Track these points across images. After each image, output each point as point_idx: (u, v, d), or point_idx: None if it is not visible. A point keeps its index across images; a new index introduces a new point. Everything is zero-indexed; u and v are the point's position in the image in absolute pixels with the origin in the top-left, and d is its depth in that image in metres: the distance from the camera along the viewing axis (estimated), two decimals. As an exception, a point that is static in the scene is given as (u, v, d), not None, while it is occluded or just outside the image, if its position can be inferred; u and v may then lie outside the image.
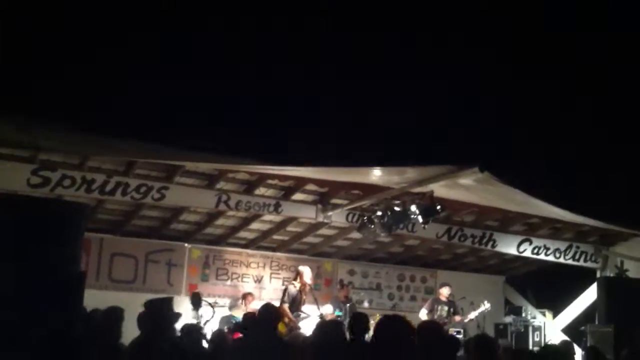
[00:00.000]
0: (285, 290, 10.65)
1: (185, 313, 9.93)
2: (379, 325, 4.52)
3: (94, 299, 7.43)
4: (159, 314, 5.57)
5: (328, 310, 11.10)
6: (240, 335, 7.62)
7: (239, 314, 11.22)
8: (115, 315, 6.13)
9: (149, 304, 5.77)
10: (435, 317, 11.29)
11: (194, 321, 9.60)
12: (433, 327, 5.54)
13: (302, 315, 10.27)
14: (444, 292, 11.77)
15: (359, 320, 5.94)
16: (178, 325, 8.68)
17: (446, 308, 11.60)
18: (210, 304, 10.70)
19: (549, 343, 12.28)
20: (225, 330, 9.87)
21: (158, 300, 6.00)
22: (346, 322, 10.76)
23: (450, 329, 11.15)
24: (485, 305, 11.67)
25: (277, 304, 10.48)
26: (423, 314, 11.32)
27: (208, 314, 10.29)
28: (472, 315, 11.63)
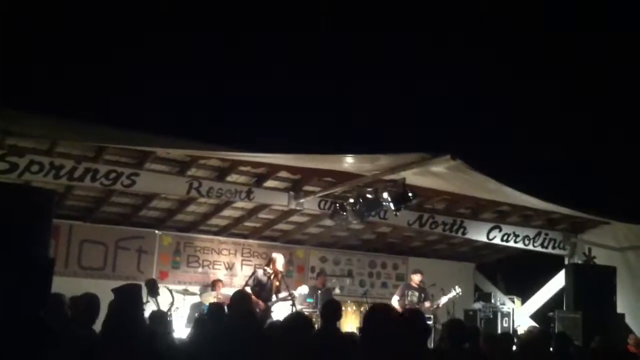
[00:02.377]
0: (252, 274, 10.61)
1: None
2: (367, 316, 4.50)
3: (63, 286, 7.36)
4: (129, 300, 5.50)
5: (303, 290, 11.06)
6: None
7: (209, 301, 11.18)
8: (89, 302, 6.05)
9: (118, 291, 5.69)
10: (406, 302, 11.35)
11: (156, 308, 9.51)
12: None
13: (274, 299, 10.23)
14: (415, 278, 11.83)
15: (331, 308, 5.92)
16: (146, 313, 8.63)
17: (417, 294, 11.66)
18: (169, 289, 10.64)
19: (519, 329, 12.46)
20: (196, 316, 9.82)
21: (127, 286, 5.93)
22: (317, 309, 10.88)
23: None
24: (456, 291, 11.75)
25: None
26: (395, 300, 11.38)
27: (168, 301, 10.23)
28: (443, 300, 11.70)
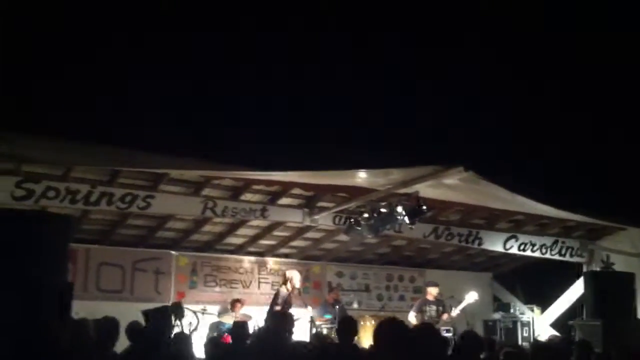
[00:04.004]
0: (277, 294, 10.66)
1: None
2: (377, 331, 4.52)
3: (83, 309, 7.40)
4: (162, 323, 5.55)
5: (309, 313, 11.10)
6: (229, 339, 7.60)
7: (228, 320, 11.20)
8: (110, 325, 6.09)
9: (151, 314, 5.73)
10: (426, 317, 11.28)
11: (179, 329, 9.54)
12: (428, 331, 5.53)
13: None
14: (432, 291, 11.73)
15: (346, 324, 5.93)
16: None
17: (435, 307, 11.57)
18: (193, 311, 10.66)
19: (540, 338, 12.37)
20: (215, 335, 9.85)
21: (159, 308, 5.97)
22: (336, 324, 10.87)
23: (440, 329, 11.15)
24: (471, 296, 11.51)
25: (266, 308, 10.53)
26: (412, 316, 11.30)
27: (193, 322, 10.26)
28: (460, 308, 11.51)
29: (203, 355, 7.08)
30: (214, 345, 6.98)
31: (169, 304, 10.83)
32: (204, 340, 11.14)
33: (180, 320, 9.93)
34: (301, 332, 9.93)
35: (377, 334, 4.51)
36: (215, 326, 11.46)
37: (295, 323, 10.01)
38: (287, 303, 10.34)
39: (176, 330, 9.22)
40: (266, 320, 9.55)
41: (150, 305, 6.62)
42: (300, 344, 6.65)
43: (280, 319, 6.17)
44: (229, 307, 12.27)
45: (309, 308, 11.07)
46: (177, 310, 10.04)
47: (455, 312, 11.29)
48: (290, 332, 5.81)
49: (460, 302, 11.43)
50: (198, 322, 10.41)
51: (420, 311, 11.46)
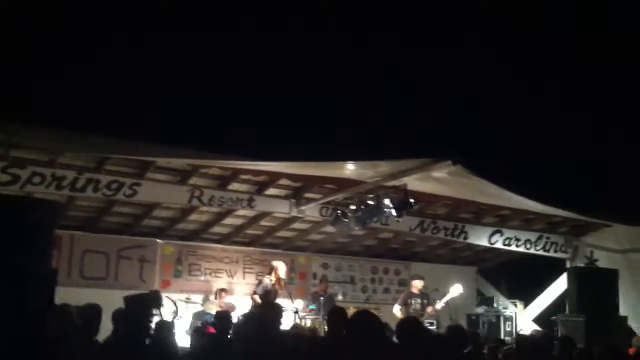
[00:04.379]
0: (258, 283, 10.67)
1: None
2: (351, 321, 4.53)
3: (66, 296, 7.34)
4: (141, 309, 5.53)
5: (298, 305, 11.12)
6: (213, 330, 7.57)
7: (212, 310, 11.18)
8: (92, 312, 6.05)
9: (130, 300, 5.71)
10: (410, 311, 11.29)
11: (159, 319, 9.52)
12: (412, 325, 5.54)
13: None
14: (417, 284, 11.73)
15: (336, 315, 5.90)
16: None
17: (419, 301, 11.57)
18: (172, 300, 10.64)
19: (521, 333, 12.44)
20: (199, 324, 9.83)
21: (139, 295, 5.95)
22: (320, 316, 10.89)
23: (425, 322, 11.18)
24: (456, 288, 11.51)
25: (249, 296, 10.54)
26: (397, 309, 11.30)
27: (172, 311, 10.26)
28: (444, 300, 11.51)
29: (186, 344, 7.06)
30: (199, 334, 6.96)
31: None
32: (186, 328, 11.19)
33: (158, 308, 9.93)
34: (286, 324, 9.93)
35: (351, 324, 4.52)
36: (199, 315, 11.43)
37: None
38: (268, 293, 10.30)
39: (156, 318, 9.25)
40: (251, 311, 9.56)
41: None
42: (287, 334, 6.64)
43: (268, 310, 6.14)
44: (213, 296, 12.25)
45: (295, 302, 11.08)
46: (155, 299, 10.04)
47: (439, 304, 11.29)
48: (279, 323, 5.79)
49: (444, 294, 11.45)
50: (177, 310, 10.40)
51: (405, 304, 11.46)
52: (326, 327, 6.08)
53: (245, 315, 9.54)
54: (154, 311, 8.43)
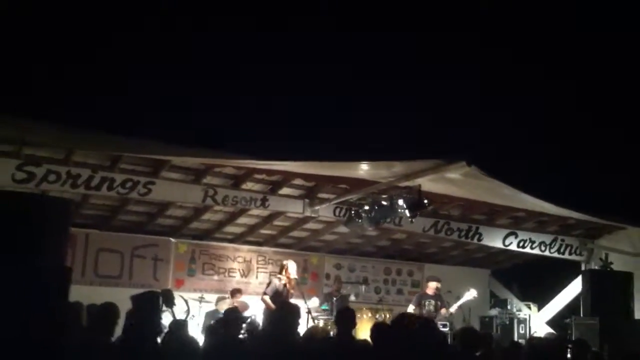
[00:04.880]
0: (269, 283, 10.66)
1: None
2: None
3: (80, 294, 7.40)
4: (147, 307, 5.54)
5: (315, 303, 11.10)
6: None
7: (224, 309, 11.19)
8: (108, 310, 6.07)
9: (136, 298, 5.73)
10: (424, 311, 11.28)
11: (172, 318, 9.56)
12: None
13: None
14: (432, 286, 11.72)
15: (344, 316, 5.91)
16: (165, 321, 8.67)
17: (433, 302, 11.58)
18: (185, 299, 10.67)
19: (536, 335, 12.37)
20: (211, 323, 9.83)
21: (145, 293, 5.96)
22: (332, 316, 10.87)
23: (438, 323, 11.16)
24: (470, 293, 11.53)
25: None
26: (411, 309, 11.30)
27: (184, 309, 10.28)
28: (458, 304, 11.53)
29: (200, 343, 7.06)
30: (211, 334, 6.96)
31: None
32: (199, 327, 11.21)
33: (171, 307, 9.97)
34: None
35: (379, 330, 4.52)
36: (212, 314, 11.45)
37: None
38: (279, 294, 10.27)
39: (169, 317, 9.29)
40: (267, 312, 9.54)
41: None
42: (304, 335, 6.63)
43: (286, 311, 6.13)
44: (227, 296, 12.26)
45: (312, 300, 11.06)
46: (167, 298, 10.09)
47: (453, 307, 11.29)
48: (297, 324, 5.77)
49: (458, 297, 11.42)
50: (188, 310, 10.44)
51: (419, 305, 11.46)
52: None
53: (265, 317, 9.56)
54: (163, 309, 8.49)
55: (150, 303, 5.51)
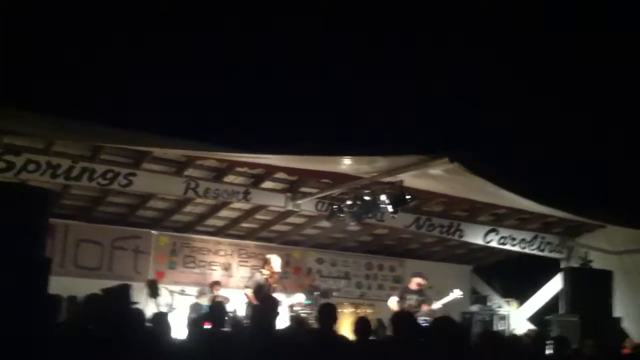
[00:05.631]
0: (251, 277, 10.63)
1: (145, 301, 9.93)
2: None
3: (59, 285, 7.30)
4: (117, 300, 5.52)
5: (300, 299, 11.07)
6: (208, 324, 7.54)
7: (206, 302, 11.15)
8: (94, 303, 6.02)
9: (105, 291, 5.71)
10: (405, 305, 11.26)
11: (156, 309, 9.52)
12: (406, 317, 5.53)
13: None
14: (415, 281, 11.70)
15: (325, 311, 5.88)
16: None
17: (414, 297, 11.55)
18: (169, 290, 10.65)
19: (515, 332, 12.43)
20: (194, 317, 9.80)
21: (116, 286, 5.94)
22: (314, 311, 10.85)
23: (419, 318, 11.14)
24: (456, 293, 11.52)
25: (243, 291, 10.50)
26: (393, 301, 11.25)
27: (168, 302, 10.26)
28: (442, 302, 11.49)
29: (182, 336, 7.02)
30: (196, 328, 6.91)
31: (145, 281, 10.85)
32: (182, 321, 11.16)
33: (155, 298, 9.96)
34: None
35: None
36: (194, 307, 11.40)
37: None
38: (261, 287, 10.20)
39: (153, 309, 9.26)
40: (249, 306, 9.53)
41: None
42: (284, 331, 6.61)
43: (265, 303, 6.11)
44: (207, 289, 12.21)
45: (295, 296, 11.07)
46: (152, 288, 10.09)
47: (436, 305, 11.25)
48: (275, 316, 5.76)
49: (440, 294, 11.41)
50: (172, 302, 10.43)
51: (402, 298, 11.41)
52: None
53: (246, 309, 9.54)
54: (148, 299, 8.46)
55: (123, 295, 5.48)
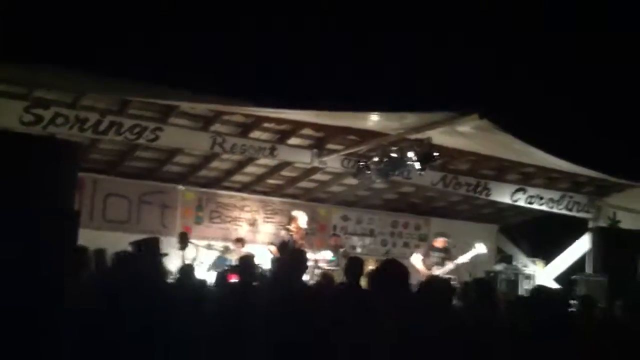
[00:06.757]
0: (276, 234, 10.71)
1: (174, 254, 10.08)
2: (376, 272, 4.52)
3: (88, 238, 7.38)
4: (145, 252, 5.57)
5: (326, 255, 11.10)
6: (235, 277, 7.59)
7: (231, 257, 11.23)
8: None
9: (134, 243, 5.76)
10: (429, 262, 11.25)
11: (184, 262, 9.67)
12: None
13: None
14: (440, 240, 11.66)
15: (353, 265, 5.91)
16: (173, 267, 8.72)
17: (439, 254, 11.53)
18: (194, 244, 10.78)
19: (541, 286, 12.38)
20: (221, 270, 9.88)
21: (145, 239, 5.98)
22: (339, 267, 10.90)
23: (443, 275, 11.13)
24: (479, 248, 11.38)
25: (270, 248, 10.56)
26: (416, 258, 11.24)
27: (193, 255, 10.43)
28: (466, 256, 11.39)
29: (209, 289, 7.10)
30: (223, 279, 6.97)
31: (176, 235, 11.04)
32: (208, 274, 11.28)
33: (184, 249, 10.15)
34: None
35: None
36: (220, 262, 11.50)
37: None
38: (285, 244, 10.24)
39: (179, 262, 9.39)
40: (274, 260, 9.60)
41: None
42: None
43: (292, 256, 6.14)
44: (231, 244, 12.29)
45: (322, 253, 11.12)
46: (182, 240, 10.27)
47: (461, 259, 11.19)
48: (302, 270, 5.79)
49: (465, 252, 11.36)
50: (196, 256, 10.61)
51: (426, 255, 11.40)
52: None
53: (271, 263, 9.63)
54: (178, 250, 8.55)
55: (151, 248, 5.53)
